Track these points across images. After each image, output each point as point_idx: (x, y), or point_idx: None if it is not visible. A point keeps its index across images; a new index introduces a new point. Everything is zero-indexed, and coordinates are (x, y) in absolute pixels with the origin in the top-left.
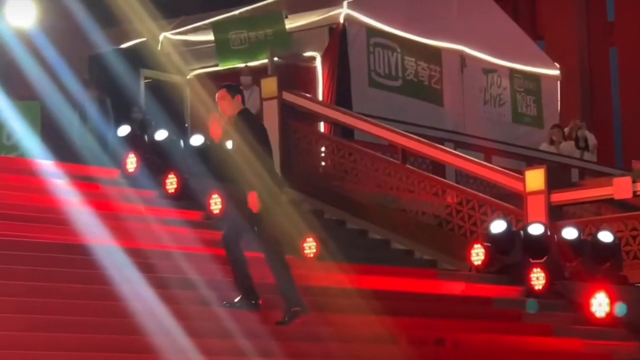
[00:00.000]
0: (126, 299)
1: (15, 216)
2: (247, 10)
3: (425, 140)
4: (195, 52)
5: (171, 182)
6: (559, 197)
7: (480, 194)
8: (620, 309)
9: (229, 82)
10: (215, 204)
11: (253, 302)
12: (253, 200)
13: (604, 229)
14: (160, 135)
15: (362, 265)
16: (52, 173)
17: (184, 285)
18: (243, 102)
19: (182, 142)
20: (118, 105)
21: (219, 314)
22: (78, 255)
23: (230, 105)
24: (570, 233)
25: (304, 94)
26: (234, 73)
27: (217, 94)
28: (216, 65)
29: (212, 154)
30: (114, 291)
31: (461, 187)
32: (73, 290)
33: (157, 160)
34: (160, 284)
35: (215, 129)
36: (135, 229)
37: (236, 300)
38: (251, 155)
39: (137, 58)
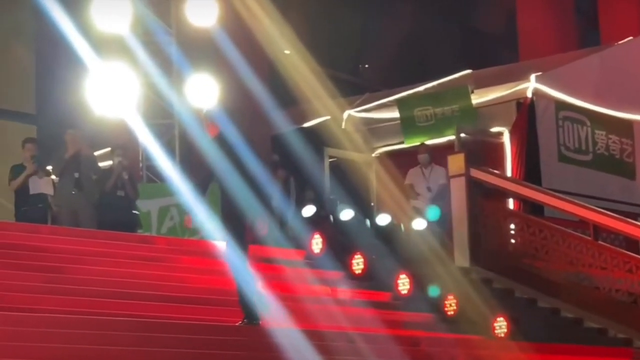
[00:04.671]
0: None
1: (199, 299)
2: (432, 86)
3: (618, 216)
4: (380, 129)
5: (358, 263)
6: None
7: None
8: None
9: (414, 159)
10: (403, 284)
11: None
12: None
13: None
14: (346, 215)
15: (555, 344)
16: None
17: None
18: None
19: (368, 222)
20: (302, 185)
21: None
22: (259, 337)
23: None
24: None
25: (492, 170)
26: None
27: None
28: (401, 143)
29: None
30: None
31: None
32: None
33: (343, 241)
34: None
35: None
36: (320, 311)
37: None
38: None
39: (320, 137)
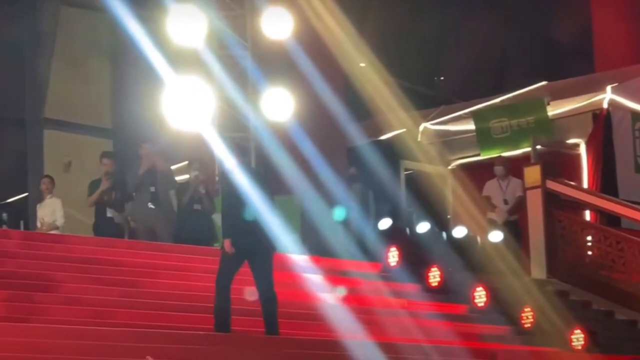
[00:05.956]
0: None
1: None
2: (507, 98)
3: None
4: (455, 141)
5: (434, 276)
6: None
7: None
8: None
9: (489, 171)
10: (480, 297)
11: None
12: None
13: None
14: (422, 227)
15: (633, 356)
16: (310, 268)
17: None
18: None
19: (444, 234)
20: (378, 198)
21: None
22: (333, 351)
23: None
24: None
25: (568, 182)
26: None
27: None
28: (477, 155)
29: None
30: None
31: None
32: None
33: (419, 253)
34: None
35: None
36: (397, 324)
37: None
38: None
39: (395, 150)
